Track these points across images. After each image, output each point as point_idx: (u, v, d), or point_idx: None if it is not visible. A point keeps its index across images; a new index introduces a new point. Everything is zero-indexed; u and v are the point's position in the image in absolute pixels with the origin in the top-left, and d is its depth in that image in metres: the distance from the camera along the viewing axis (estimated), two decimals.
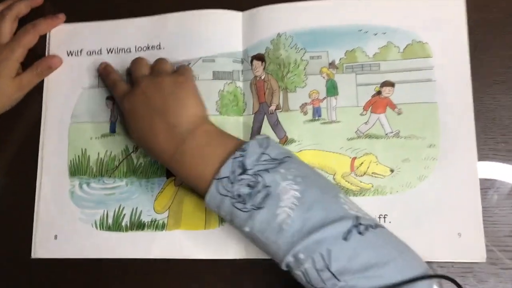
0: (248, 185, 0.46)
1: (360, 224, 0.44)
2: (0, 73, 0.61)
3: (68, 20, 0.67)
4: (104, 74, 0.63)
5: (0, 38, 0.63)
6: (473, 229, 0.54)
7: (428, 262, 0.54)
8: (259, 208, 0.46)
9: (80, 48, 0.66)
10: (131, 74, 0.59)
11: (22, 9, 0.65)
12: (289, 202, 0.45)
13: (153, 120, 0.52)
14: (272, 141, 0.50)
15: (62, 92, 0.65)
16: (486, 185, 0.55)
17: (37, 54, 0.65)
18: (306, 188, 0.46)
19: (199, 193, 0.51)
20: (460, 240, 0.54)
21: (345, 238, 0.43)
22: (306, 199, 0.45)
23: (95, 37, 0.66)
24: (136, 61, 0.59)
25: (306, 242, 0.44)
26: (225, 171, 0.47)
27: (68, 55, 0.66)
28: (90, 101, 0.64)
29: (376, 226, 0.46)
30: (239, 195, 0.46)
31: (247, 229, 0.47)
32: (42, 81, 0.65)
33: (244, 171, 0.46)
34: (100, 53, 0.65)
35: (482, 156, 0.56)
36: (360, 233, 0.44)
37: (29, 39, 0.64)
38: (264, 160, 0.47)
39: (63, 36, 0.66)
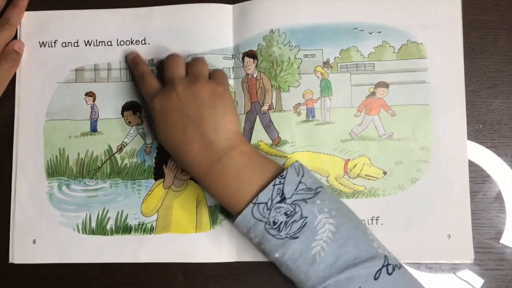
0: (285, 214, 0.46)
1: (389, 264, 0.46)
2: None
3: (41, 8, 0.61)
4: (132, 64, 0.58)
5: None
6: (462, 231, 0.55)
7: (417, 264, 0.55)
8: (294, 237, 0.46)
9: (54, 39, 0.61)
10: (165, 71, 0.55)
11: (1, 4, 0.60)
12: (324, 236, 0.45)
13: (187, 128, 0.50)
14: (306, 168, 0.50)
15: (36, 87, 0.60)
16: (475, 189, 0.56)
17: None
18: (340, 222, 0.46)
19: (230, 211, 0.50)
20: (450, 241, 0.55)
21: (376, 278, 0.45)
22: (340, 234, 0.46)
23: (71, 27, 0.61)
24: (172, 59, 0.55)
25: (338, 278, 0.44)
26: (263, 197, 0.47)
27: (41, 46, 0.61)
28: (67, 97, 0.60)
29: (400, 266, 0.47)
30: (274, 222, 0.46)
31: (277, 255, 0.47)
32: (14, 75, 0.60)
33: (282, 199, 0.46)
34: (77, 44, 0.60)
35: (472, 160, 0.57)
36: (388, 273, 0.45)
37: (6, 36, 0.59)
38: (301, 189, 0.47)
39: (35, 25, 0.61)
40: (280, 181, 0.47)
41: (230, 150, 0.49)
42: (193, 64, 0.55)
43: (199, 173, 0.50)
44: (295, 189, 0.47)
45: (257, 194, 0.47)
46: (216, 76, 0.55)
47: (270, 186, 0.47)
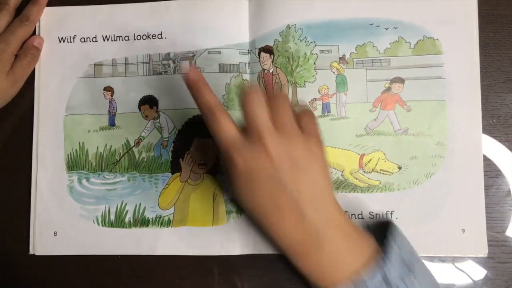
0: None
1: None
2: None
3: (59, 3, 0.62)
4: (194, 90, 0.46)
5: None
6: (476, 225, 0.56)
7: (432, 257, 0.56)
8: None
9: (73, 34, 0.62)
10: (246, 115, 0.44)
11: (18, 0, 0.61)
12: None
13: (278, 197, 0.43)
14: (401, 233, 0.47)
15: (55, 82, 0.61)
16: (489, 183, 0.57)
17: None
18: None
19: (312, 283, 0.46)
20: (464, 235, 0.56)
21: None
22: None
23: (89, 22, 0.61)
24: (254, 99, 0.44)
25: None
26: (366, 279, 0.42)
27: (60, 42, 0.62)
28: (86, 91, 0.61)
29: None
30: None
31: None
32: (33, 71, 0.61)
33: (385, 281, 0.42)
34: (96, 40, 0.61)
35: (485, 154, 0.57)
36: None
37: (25, 32, 0.60)
38: (401, 266, 0.44)
39: (54, 20, 0.62)
40: (383, 262, 0.43)
41: (327, 226, 0.44)
42: (279, 109, 0.45)
43: (288, 244, 0.45)
44: (400, 278, 0.43)
45: (355, 273, 0.43)
46: (308, 125, 0.47)
47: (377, 274, 0.43)
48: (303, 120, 0.47)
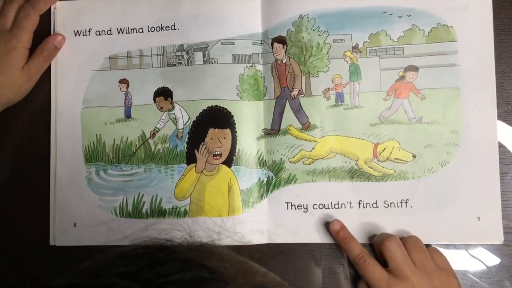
0: None
1: None
2: (10, 63, 0.58)
3: None
4: (343, 242, 0.56)
5: (6, 24, 0.59)
6: (492, 213, 0.56)
7: (447, 245, 0.56)
8: None
9: (89, 28, 0.62)
10: (389, 255, 0.52)
11: None
12: None
13: None
14: None
15: (71, 76, 0.62)
16: (504, 170, 0.57)
17: (42, 35, 0.62)
18: None
19: None
20: (479, 223, 0.56)
21: None
22: None
23: (104, 15, 0.62)
24: (395, 243, 0.53)
25: None
26: None
27: (76, 35, 0.62)
28: (102, 84, 0.62)
29: None
30: None
31: None
32: (49, 64, 0.62)
33: None
34: (111, 33, 0.62)
35: (500, 141, 0.57)
36: None
37: (32, 22, 0.60)
38: None
39: (69, 14, 0.63)
40: None
41: None
42: (416, 251, 0.53)
43: None
44: None
45: None
46: (442, 263, 0.54)
47: None
48: (436, 258, 0.54)
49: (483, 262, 0.56)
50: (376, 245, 0.56)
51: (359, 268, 0.54)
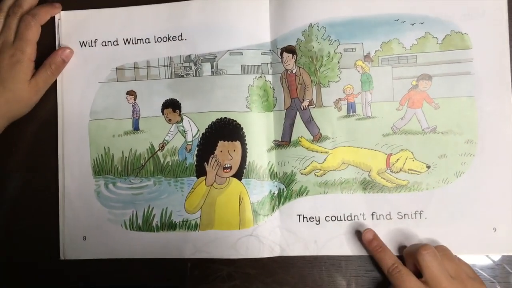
0: None
1: None
2: (15, 76, 0.57)
3: (79, 7, 0.62)
4: (375, 251, 0.55)
5: (9, 36, 0.58)
6: (508, 224, 0.55)
7: (462, 256, 0.55)
8: None
9: (95, 38, 0.61)
10: (424, 264, 0.50)
11: (32, 3, 0.60)
12: None
13: None
14: None
15: (78, 87, 0.61)
16: None
17: (47, 46, 0.61)
18: None
19: None
20: (495, 234, 0.55)
21: None
22: None
23: (110, 25, 0.61)
24: (431, 253, 0.51)
25: None
26: None
27: (81, 46, 0.61)
28: (109, 96, 0.61)
29: None
30: None
31: None
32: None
33: None
34: (117, 43, 0.61)
35: None
36: None
37: (33, 33, 0.59)
38: None
39: (74, 24, 0.62)
40: None
41: None
42: (449, 260, 0.52)
43: None
44: None
45: None
46: (471, 273, 0.54)
47: None
48: (464, 267, 0.54)
49: (498, 274, 0.55)
50: (407, 256, 0.54)
51: (393, 279, 0.52)
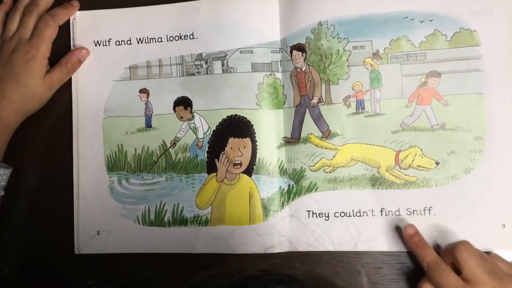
0: None
1: None
2: (29, 73, 0.59)
3: (93, 7, 0.63)
4: (416, 248, 0.54)
5: (25, 34, 0.60)
6: None
7: None
8: None
9: (108, 38, 0.63)
10: (463, 261, 0.51)
11: (48, 3, 0.62)
12: None
13: None
14: None
15: (92, 86, 0.63)
16: None
17: (62, 46, 0.63)
18: None
19: None
20: (504, 230, 0.55)
21: None
22: None
23: (123, 25, 0.63)
24: (470, 249, 0.51)
25: None
26: None
27: (96, 45, 0.63)
28: (123, 94, 0.62)
29: None
30: None
31: None
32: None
33: None
34: (130, 42, 0.62)
35: None
36: None
37: (51, 32, 0.61)
38: None
39: (88, 24, 0.63)
40: None
41: None
42: (482, 254, 0.52)
43: None
44: None
45: None
46: (509, 269, 0.54)
47: None
48: (502, 265, 0.54)
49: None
50: (445, 254, 0.54)
51: (433, 274, 0.52)
